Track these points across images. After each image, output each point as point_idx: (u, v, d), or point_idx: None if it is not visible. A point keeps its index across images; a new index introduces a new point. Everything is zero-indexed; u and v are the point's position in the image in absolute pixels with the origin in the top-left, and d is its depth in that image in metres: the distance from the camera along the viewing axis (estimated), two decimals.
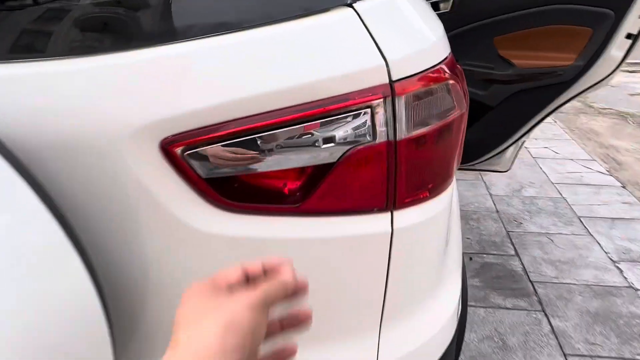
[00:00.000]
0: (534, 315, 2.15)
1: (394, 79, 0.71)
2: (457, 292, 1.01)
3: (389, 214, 0.79)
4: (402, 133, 0.74)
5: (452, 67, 0.84)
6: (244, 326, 0.44)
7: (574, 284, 2.32)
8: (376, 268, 0.82)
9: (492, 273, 2.43)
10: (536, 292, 2.28)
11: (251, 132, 0.68)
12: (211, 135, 0.67)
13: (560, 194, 3.17)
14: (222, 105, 0.67)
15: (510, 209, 3.01)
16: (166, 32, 0.71)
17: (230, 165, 0.69)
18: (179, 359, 0.41)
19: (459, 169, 2.43)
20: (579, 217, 2.89)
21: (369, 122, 0.71)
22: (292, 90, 0.68)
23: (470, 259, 2.56)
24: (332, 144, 0.71)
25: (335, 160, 0.72)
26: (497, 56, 2.04)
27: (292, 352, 0.54)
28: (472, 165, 2.37)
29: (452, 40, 2.02)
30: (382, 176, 0.75)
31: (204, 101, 0.67)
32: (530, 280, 2.36)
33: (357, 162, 0.73)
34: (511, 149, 2.32)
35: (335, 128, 0.70)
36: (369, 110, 0.71)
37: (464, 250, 2.65)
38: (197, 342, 0.42)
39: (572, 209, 2.99)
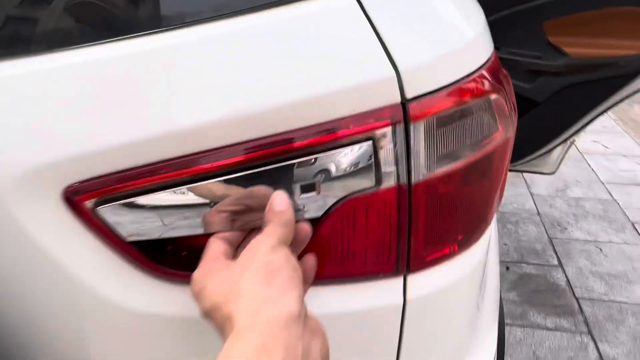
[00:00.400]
0: (579, 339, 1.90)
1: (408, 96, 0.49)
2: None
3: (400, 279, 0.57)
4: (420, 173, 0.52)
5: (495, 74, 0.61)
6: (281, 262, 0.43)
7: (626, 303, 2.07)
8: (381, 349, 0.60)
9: (532, 286, 2.18)
10: (582, 311, 2.03)
11: (192, 178, 0.47)
12: (135, 183, 0.47)
13: (611, 196, 2.87)
14: (149, 141, 0.46)
15: (553, 212, 2.72)
16: (68, 34, 0.50)
17: (164, 224, 0.49)
18: (243, 334, 0.38)
19: None
20: (632, 223, 2.60)
21: (370, 161, 0.49)
22: (255, 118, 0.47)
23: (507, 268, 2.32)
24: (314, 193, 0.49)
25: (320, 214, 0.51)
26: (546, 44, 1.79)
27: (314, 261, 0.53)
28: (514, 166, 2.12)
29: (495, 24, 1.76)
30: (389, 233, 0.53)
31: (123, 135, 0.46)
32: (575, 297, 2.11)
33: (353, 216, 0.51)
34: (559, 149, 2.06)
35: (320, 171, 0.48)
36: (370, 143, 0.49)
37: (501, 258, 2.42)
38: (247, 304, 0.40)
39: (624, 213, 2.69)
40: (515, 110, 0.65)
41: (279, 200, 0.48)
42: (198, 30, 0.48)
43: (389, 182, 0.51)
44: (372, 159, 0.49)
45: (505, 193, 2.74)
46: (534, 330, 1.96)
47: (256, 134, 0.46)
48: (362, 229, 0.52)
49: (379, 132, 0.48)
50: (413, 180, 0.52)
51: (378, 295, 0.57)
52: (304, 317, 0.41)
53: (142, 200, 0.47)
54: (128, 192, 0.47)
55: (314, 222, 0.51)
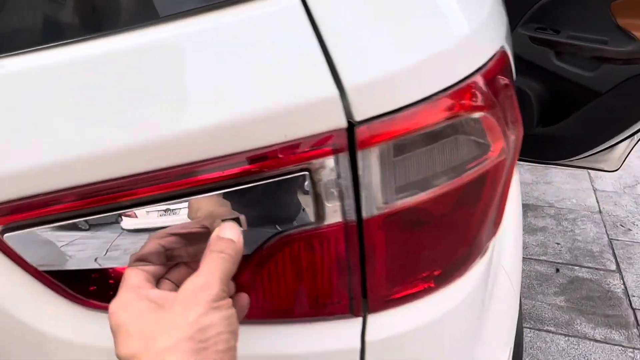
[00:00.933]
0: (631, 355, 1.74)
1: (357, 119, 0.41)
2: None
3: (359, 320, 0.50)
4: (374, 207, 0.44)
5: (491, 82, 0.50)
6: (219, 329, 0.38)
7: None
8: None
9: (583, 292, 2.01)
10: (638, 324, 1.85)
11: (102, 207, 0.42)
12: (42, 211, 0.42)
13: None
14: (53, 167, 0.41)
15: (617, 210, 2.49)
16: None
17: (80, 255, 0.44)
18: None
19: (554, 164, 2.00)
20: None
21: (307, 195, 0.42)
22: (167, 144, 0.40)
23: (557, 270, 2.15)
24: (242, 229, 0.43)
25: (249, 252, 0.44)
26: (614, 27, 1.59)
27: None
28: (571, 161, 1.93)
29: (555, 4, 1.57)
30: (337, 272, 0.46)
31: (28, 160, 0.41)
32: (632, 307, 1.93)
33: (289, 254, 0.44)
34: (623, 144, 1.85)
35: (246, 206, 0.42)
36: (305, 175, 0.41)
37: (551, 259, 2.24)
38: None
39: None
40: (519, 123, 0.55)
41: (231, 228, 0.43)
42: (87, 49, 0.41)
43: (333, 218, 0.43)
44: (310, 193, 0.42)
45: (564, 187, 2.51)
46: (580, 341, 1.80)
47: (167, 163, 0.40)
48: (304, 267, 0.45)
49: (316, 161, 0.41)
50: (365, 214, 0.44)
51: (331, 337, 0.50)
52: None
53: (51, 229, 0.43)
54: (35, 220, 0.43)
55: (245, 258, 0.45)
